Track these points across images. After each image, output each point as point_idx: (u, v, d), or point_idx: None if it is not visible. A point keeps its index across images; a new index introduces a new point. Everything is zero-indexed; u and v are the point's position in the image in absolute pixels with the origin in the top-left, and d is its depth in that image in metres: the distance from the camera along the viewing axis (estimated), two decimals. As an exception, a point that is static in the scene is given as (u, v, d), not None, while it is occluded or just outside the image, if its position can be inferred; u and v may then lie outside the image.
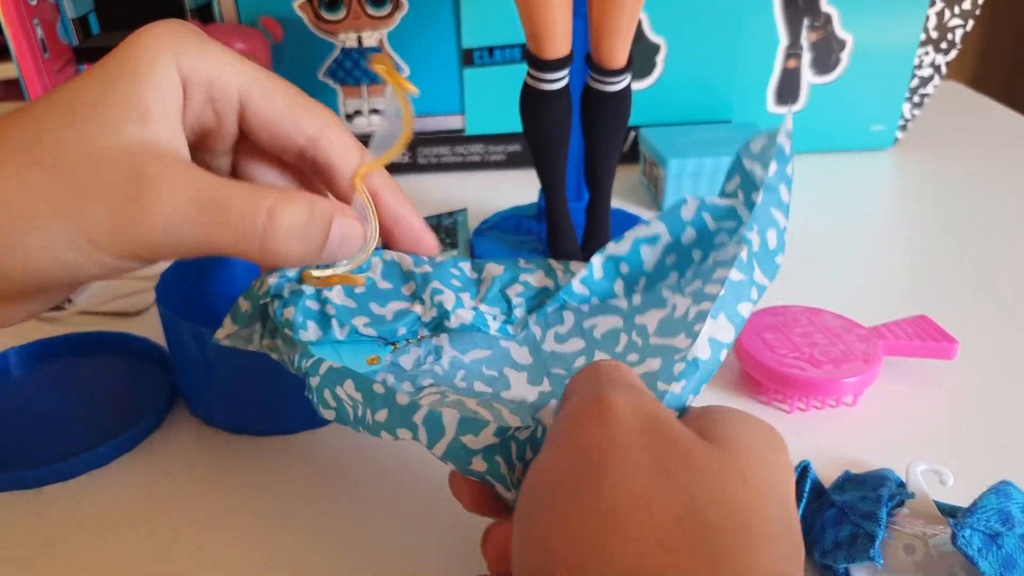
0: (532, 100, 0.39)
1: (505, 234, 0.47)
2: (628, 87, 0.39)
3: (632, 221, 0.47)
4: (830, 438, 0.33)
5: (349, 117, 0.56)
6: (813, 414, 0.35)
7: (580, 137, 0.42)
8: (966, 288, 0.44)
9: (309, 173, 0.29)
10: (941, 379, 0.36)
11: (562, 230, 0.42)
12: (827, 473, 0.31)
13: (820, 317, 0.37)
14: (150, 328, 0.40)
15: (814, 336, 0.36)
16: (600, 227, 0.42)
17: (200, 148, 0.27)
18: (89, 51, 0.59)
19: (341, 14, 0.53)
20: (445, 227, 0.48)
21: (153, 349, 0.37)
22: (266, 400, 0.33)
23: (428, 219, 0.50)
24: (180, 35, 0.25)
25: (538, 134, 0.40)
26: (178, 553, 0.28)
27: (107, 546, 0.29)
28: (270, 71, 0.27)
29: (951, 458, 0.30)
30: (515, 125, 0.57)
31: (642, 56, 0.56)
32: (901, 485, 0.29)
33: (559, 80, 0.38)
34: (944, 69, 0.59)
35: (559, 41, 0.37)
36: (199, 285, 0.37)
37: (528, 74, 0.39)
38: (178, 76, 0.24)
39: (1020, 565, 0.25)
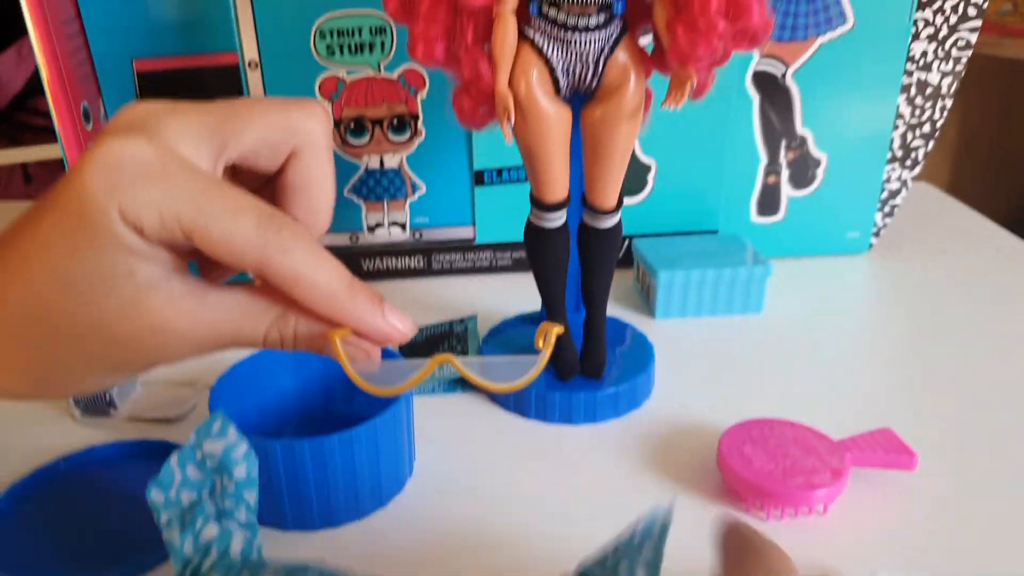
0: (534, 235, 0.44)
1: (512, 343, 0.51)
2: (619, 223, 0.44)
3: (625, 329, 0.52)
4: (803, 545, 0.37)
5: (371, 229, 0.62)
6: (788, 522, 0.38)
7: (578, 262, 0.47)
8: (930, 398, 0.48)
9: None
10: (904, 489, 0.40)
11: (562, 344, 0.46)
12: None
13: (794, 430, 0.42)
14: (189, 434, 0.44)
15: (788, 448, 0.40)
16: (596, 341, 0.47)
17: (182, 256, 0.29)
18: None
19: (365, 139, 0.59)
20: (456, 333, 0.53)
21: (195, 456, 0.42)
22: (313, 495, 0.37)
23: (440, 325, 0.55)
24: (120, 180, 0.25)
25: (540, 264, 0.45)
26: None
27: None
28: (223, 187, 0.27)
29: (914, 564, 0.34)
30: (520, 234, 0.63)
31: (635, 174, 0.61)
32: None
33: (558, 219, 0.43)
34: (910, 183, 0.64)
35: (558, 188, 0.42)
36: (250, 395, 0.41)
37: (531, 212, 0.44)
38: (129, 229, 0.25)
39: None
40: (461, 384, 0.49)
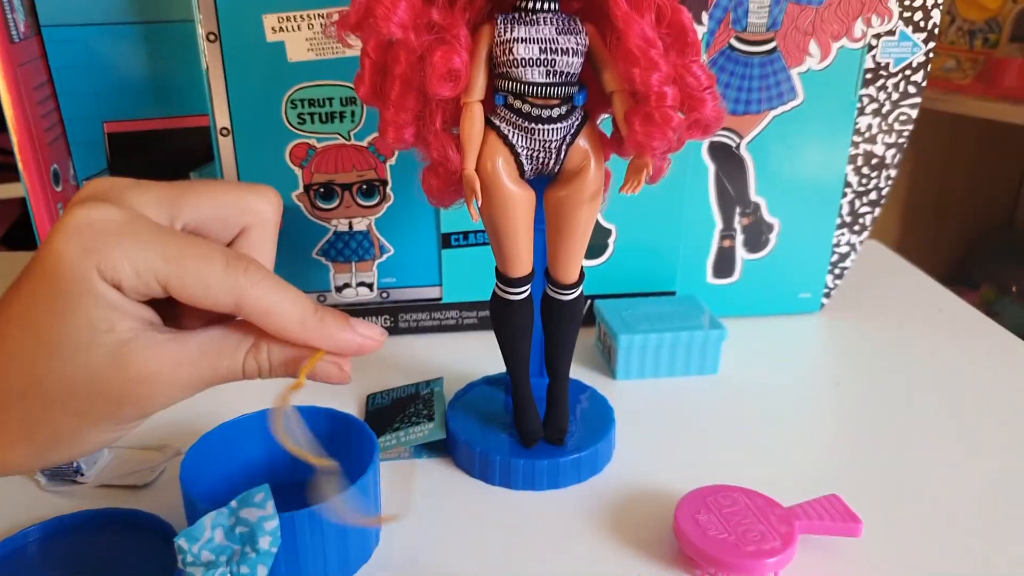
0: (499, 307, 0.46)
1: (477, 404, 0.53)
2: (580, 294, 0.46)
3: (585, 391, 0.54)
4: (754, 611, 0.39)
5: (339, 289, 0.63)
6: (740, 588, 0.40)
7: (542, 331, 0.49)
8: (875, 460, 0.51)
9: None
10: (849, 554, 0.42)
11: (525, 413, 0.48)
12: (749, 648, 0.36)
13: (747, 496, 0.43)
14: (158, 500, 0.45)
15: (741, 516, 0.42)
16: (559, 408, 0.48)
17: (164, 311, 0.31)
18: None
19: (335, 204, 0.60)
20: (423, 397, 0.54)
21: (162, 525, 0.42)
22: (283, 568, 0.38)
23: (407, 388, 0.56)
24: (94, 242, 0.27)
25: (504, 335, 0.47)
26: None
27: None
28: (188, 238, 0.29)
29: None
30: (485, 294, 0.64)
31: (596, 238, 0.64)
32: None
33: (522, 293, 0.45)
34: (859, 247, 0.68)
35: (521, 264, 0.44)
36: (220, 464, 0.42)
37: (496, 286, 0.46)
38: (108, 285, 0.28)
39: None
40: (427, 450, 0.50)
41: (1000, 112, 1.51)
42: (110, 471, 0.47)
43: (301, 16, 0.55)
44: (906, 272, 0.80)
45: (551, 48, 0.40)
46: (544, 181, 0.44)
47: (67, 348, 0.28)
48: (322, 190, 0.60)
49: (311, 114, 0.57)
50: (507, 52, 0.40)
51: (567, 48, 0.40)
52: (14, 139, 0.55)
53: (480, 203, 0.42)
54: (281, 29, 0.55)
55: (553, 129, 0.41)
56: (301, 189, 0.60)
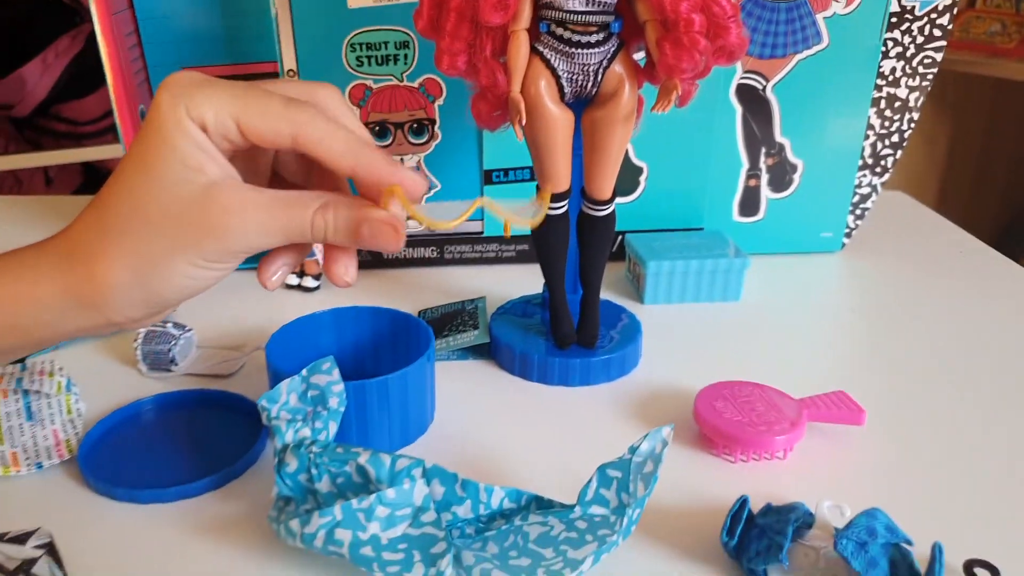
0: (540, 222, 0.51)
1: (516, 318, 0.58)
2: (612, 212, 0.51)
3: (617, 310, 0.59)
4: (765, 482, 0.44)
5: (391, 220, 0.69)
6: (752, 464, 0.45)
7: (576, 247, 0.54)
8: (882, 370, 0.55)
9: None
10: (853, 440, 0.47)
11: (560, 318, 0.53)
12: (760, 507, 0.41)
13: (760, 390, 0.48)
14: (239, 387, 0.51)
15: (755, 404, 0.47)
16: (590, 315, 0.53)
17: (241, 165, 0.35)
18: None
19: (388, 141, 0.66)
20: (468, 311, 0.60)
21: (246, 403, 0.48)
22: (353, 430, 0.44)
23: (453, 304, 0.62)
24: (182, 90, 0.33)
25: (543, 247, 0.52)
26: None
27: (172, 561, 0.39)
28: (265, 88, 0.34)
29: (854, 498, 0.41)
30: (523, 229, 0.70)
31: (628, 176, 0.68)
32: (810, 514, 0.39)
33: (560, 208, 0.50)
34: (880, 188, 0.71)
35: (561, 180, 0.49)
36: (297, 351, 0.48)
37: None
38: (196, 126, 0.33)
39: (881, 565, 0.35)
40: (472, 352, 0.56)
41: (1044, 77, 1.50)
42: (199, 363, 0.54)
43: (361, -35, 0.60)
44: (929, 219, 0.83)
45: (590, -21, 0.44)
46: (582, 105, 0.49)
47: (167, 180, 0.33)
48: (377, 128, 0.66)
49: (368, 57, 0.63)
50: (550, -17, 0.45)
51: (604, -20, 0.44)
52: (109, 79, 0.61)
53: (524, 123, 0.47)
54: (343, -23, 0.61)
55: (591, 53, 0.46)
56: (359, 126, 0.65)
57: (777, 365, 0.55)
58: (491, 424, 0.49)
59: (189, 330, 0.54)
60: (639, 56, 0.49)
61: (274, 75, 0.65)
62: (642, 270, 0.64)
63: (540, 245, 0.52)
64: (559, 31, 0.46)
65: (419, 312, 0.62)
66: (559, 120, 0.48)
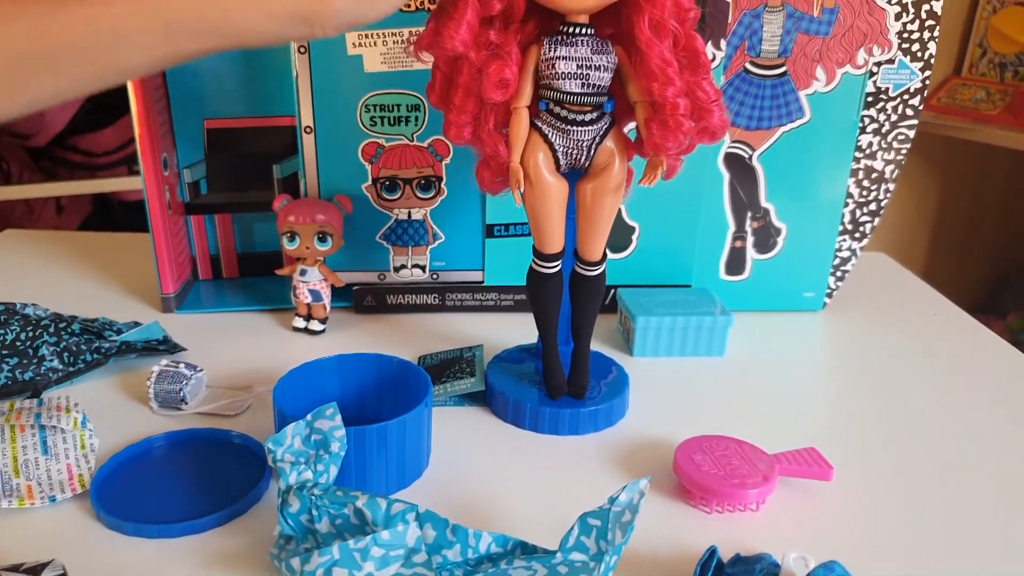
0: (535, 279, 0.55)
1: (511, 366, 0.61)
2: (603, 272, 0.55)
3: (607, 362, 0.62)
4: (737, 533, 0.47)
5: (396, 269, 0.73)
6: (727, 515, 0.48)
7: (569, 303, 0.57)
8: (853, 428, 0.58)
9: None
10: (822, 495, 0.50)
11: (553, 369, 0.57)
12: (730, 556, 0.44)
13: (737, 444, 0.52)
14: (245, 426, 0.54)
15: (731, 458, 0.50)
16: (581, 369, 0.57)
17: None
18: (197, 206, 0.77)
19: (397, 195, 0.70)
20: (466, 359, 0.63)
21: (252, 443, 0.52)
22: (352, 474, 0.47)
23: (452, 351, 0.65)
24: None
25: (538, 303, 0.56)
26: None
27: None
28: None
29: (821, 550, 0.44)
30: (522, 279, 0.73)
31: (621, 234, 0.72)
32: (775, 565, 0.42)
33: (554, 267, 0.54)
34: (859, 252, 0.75)
35: (555, 242, 0.53)
36: (302, 396, 0.52)
37: (533, 260, 0.55)
38: None
39: (837, 615, 0.38)
40: (468, 399, 0.59)
41: (1029, 143, 1.56)
42: (208, 402, 0.57)
43: (378, 34, 0.65)
44: (908, 281, 0.87)
45: (586, 65, 0.49)
46: (576, 174, 0.53)
47: None
48: (387, 183, 0.70)
49: (381, 117, 0.68)
50: (550, 67, 0.49)
51: (599, 65, 0.49)
52: (137, 132, 0.66)
53: (523, 190, 0.52)
54: (360, 45, 0.65)
55: (585, 131, 0.50)
56: (370, 182, 0.70)
57: (755, 419, 0.59)
58: (483, 470, 0.52)
59: (200, 370, 0.58)
60: (631, 127, 0.54)
61: (291, 129, 0.69)
62: (632, 324, 0.67)
63: (534, 301, 0.56)
64: (557, 109, 0.50)
65: (419, 358, 0.65)
66: (555, 189, 0.52)
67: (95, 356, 0.60)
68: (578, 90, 0.49)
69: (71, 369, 0.59)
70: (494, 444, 0.55)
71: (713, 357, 0.68)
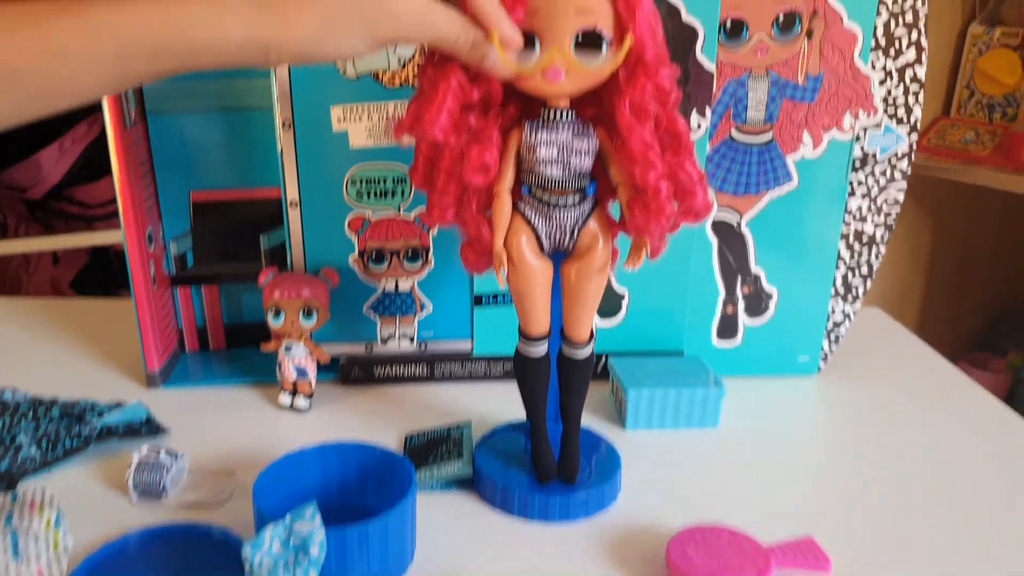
0: (521, 361, 0.54)
1: (500, 446, 0.60)
2: (591, 353, 0.54)
3: (597, 441, 0.61)
4: (732, 631, 0.45)
5: (384, 340, 0.72)
6: (721, 611, 0.47)
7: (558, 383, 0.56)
8: (853, 511, 0.57)
9: None
10: (819, 586, 0.49)
11: (541, 452, 0.55)
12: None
13: (731, 535, 0.50)
14: (226, 518, 0.53)
15: (724, 550, 0.49)
16: (571, 452, 0.56)
17: None
18: (184, 278, 0.76)
19: (384, 267, 0.70)
20: (454, 438, 0.62)
21: (232, 538, 0.50)
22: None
23: (438, 430, 0.64)
24: None
25: (525, 385, 0.55)
26: None
27: None
28: None
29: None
30: (511, 348, 0.72)
31: (610, 301, 0.72)
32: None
33: (541, 349, 0.53)
34: (853, 315, 0.74)
35: (541, 324, 0.53)
36: (283, 488, 0.50)
37: (519, 342, 0.54)
38: None
39: None
40: (455, 483, 0.58)
41: (1018, 184, 1.56)
42: (189, 492, 0.56)
43: (362, 108, 0.65)
44: (904, 339, 0.86)
45: (567, 149, 0.48)
46: (561, 255, 0.52)
47: None
48: (374, 255, 0.69)
49: (368, 191, 0.67)
50: (532, 153, 0.49)
51: (580, 149, 0.48)
52: (121, 207, 0.65)
53: (507, 272, 0.51)
54: (345, 119, 0.65)
55: (567, 214, 0.50)
56: (356, 253, 0.69)
57: (750, 500, 0.57)
58: (470, 563, 0.50)
59: (182, 457, 0.56)
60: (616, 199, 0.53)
61: (275, 200, 0.69)
62: (624, 396, 0.66)
63: (522, 383, 0.55)
64: (539, 193, 0.50)
65: (406, 436, 0.64)
66: (538, 271, 0.51)
67: (74, 442, 0.59)
68: (559, 175, 0.49)
69: (49, 456, 0.58)
70: (481, 532, 0.53)
71: (707, 428, 0.67)
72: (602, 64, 0.46)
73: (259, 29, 0.40)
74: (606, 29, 0.46)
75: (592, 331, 0.54)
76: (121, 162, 0.64)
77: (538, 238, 0.51)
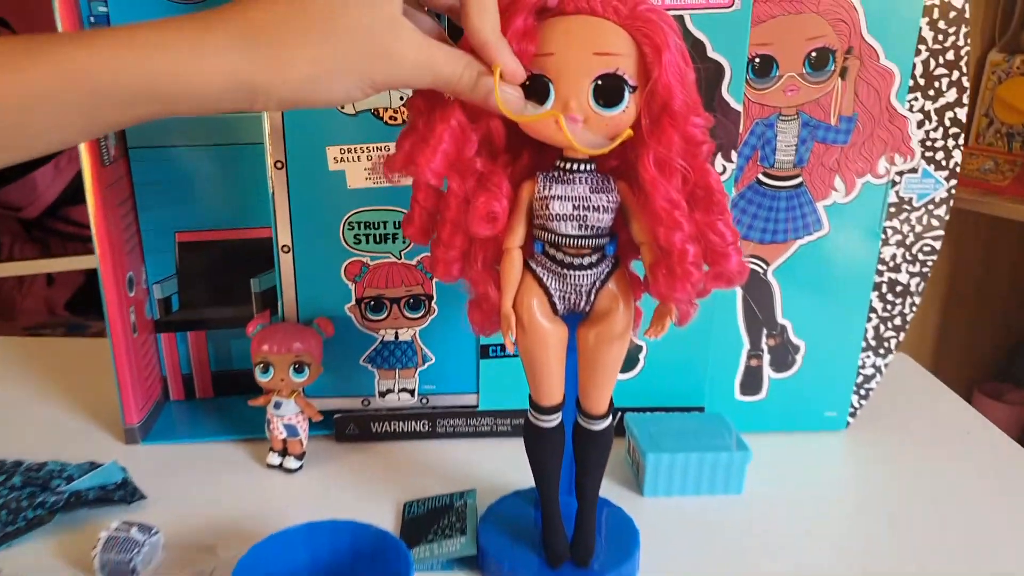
0: (532, 433, 0.49)
1: (507, 518, 0.55)
2: (610, 426, 0.49)
3: (615, 514, 0.56)
4: None
5: (382, 394, 0.67)
6: None
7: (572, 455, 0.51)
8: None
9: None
10: None
11: (553, 532, 0.50)
12: None
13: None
14: (204, 605, 0.47)
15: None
16: (586, 531, 0.50)
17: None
18: (168, 323, 0.71)
19: (383, 315, 0.65)
20: (457, 508, 0.57)
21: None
22: None
23: (441, 498, 0.59)
24: None
25: (535, 459, 0.49)
26: None
27: None
28: None
29: None
30: (519, 403, 0.67)
31: (627, 354, 0.66)
32: None
33: (553, 420, 0.48)
34: (884, 369, 0.69)
35: (553, 394, 0.47)
36: (276, 566, 0.45)
37: (529, 411, 0.49)
38: None
39: None
40: (458, 563, 0.53)
41: (1038, 216, 1.51)
42: (162, 572, 0.50)
43: (361, 148, 0.60)
44: (936, 391, 0.81)
45: (584, 205, 0.44)
46: (577, 317, 0.47)
47: (365, 4, 0.37)
48: (372, 303, 0.64)
49: (366, 235, 0.62)
50: (545, 207, 0.44)
51: (599, 205, 0.44)
52: (97, 254, 0.60)
53: (516, 337, 0.46)
54: (343, 159, 0.61)
55: (584, 275, 0.45)
56: (353, 302, 0.64)
57: (775, 560, 0.52)
58: (473, 661, 0.45)
59: (155, 533, 0.51)
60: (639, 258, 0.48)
61: (267, 240, 0.64)
62: (642, 460, 0.61)
63: (532, 457, 0.50)
64: (552, 252, 0.45)
65: (404, 504, 0.59)
66: (551, 335, 0.46)
67: (37, 512, 0.54)
68: (575, 232, 0.44)
69: (9, 529, 0.53)
70: (486, 624, 0.48)
71: (731, 495, 0.61)
72: (624, 113, 0.42)
73: (246, 72, 0.36)
74: (629, 73, 0.41)
75: (611, 402, 0.49)
76: (98, 202, 0.60)
77: (551, 300, 0.46)
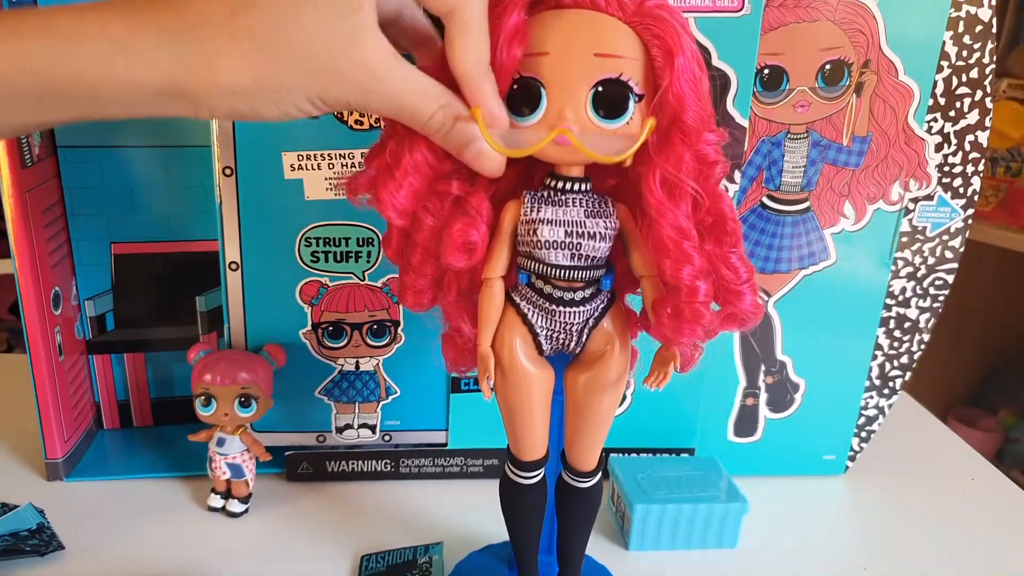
0: (509, 490, 0.43)
1: (477, 579, 0.48)
2: (598, 484, 0.43)
3: (595, 572, 0.50)
4: None
5: (339, 430, 0.60)
6: None
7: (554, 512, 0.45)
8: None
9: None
10: None
11: (531, 602, 0.44)
12: None
13: None
14: None
15: None
16: (567, 601, 0.44)
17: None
18: (102, 344, 0.63)
19: (342, 342, 0.58)
20: (421, 566, 0.50)
21: None
22: None
23: (405, 551, 0.52)
24: None
25: (512, 518, 0.43)
26: None
27: None
28: None
29: None
30: (493, 442, 0.61)
31: (614, 391, 0.60)
32: None
33: (534, 476, 0.42)
34: (887, 410, 0.64)
35: (536, 448, 0.41)
36: None
37: (507, 465, 0.42)
38: None
39: None
40: (421, 634, 0.46)
41: (1020, 243, 1.49)
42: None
43: (321, 155, 0.54)
44: (937, 433, 0.76)
45: (577, 231, 0.37)
46: (565, 359, 0.41)
47: (325, 9, 0.31)
48: (331, 328, 0.57)
49: (326, 253, 0.56)
50: (531, 232, 0.38)
51: (594, 232, 0.37)
52: (16, 269, 0.53)
53: (494, 382, 0.40)
54: (300, 167, 0.54)
55: (575, 312, 0.39)
56: (309, 327, 0.57)
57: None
58: None
59: (68, 599, 0.44)
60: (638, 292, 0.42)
61: (213, 255, 0.56)
62: (628, 512, 0.55)
63: (509, 516, 0.43)
64: (539, 284, 0.39)
65: (361, 558, 0.52)
66: (535, 380, 0.40)
67: (-70, 571, 0.46)
68: (566, 263, 0.38)
69: None
70: None
71: (724, 549, 0.56)
72: (627, 126, 0.36)
73: (180, 75, 0.31)
74: (635, 79, 0.35)
75: (601, 457, 0.42)
76: (16, 207, 0.52)
77: (536, 339, 0.40)
